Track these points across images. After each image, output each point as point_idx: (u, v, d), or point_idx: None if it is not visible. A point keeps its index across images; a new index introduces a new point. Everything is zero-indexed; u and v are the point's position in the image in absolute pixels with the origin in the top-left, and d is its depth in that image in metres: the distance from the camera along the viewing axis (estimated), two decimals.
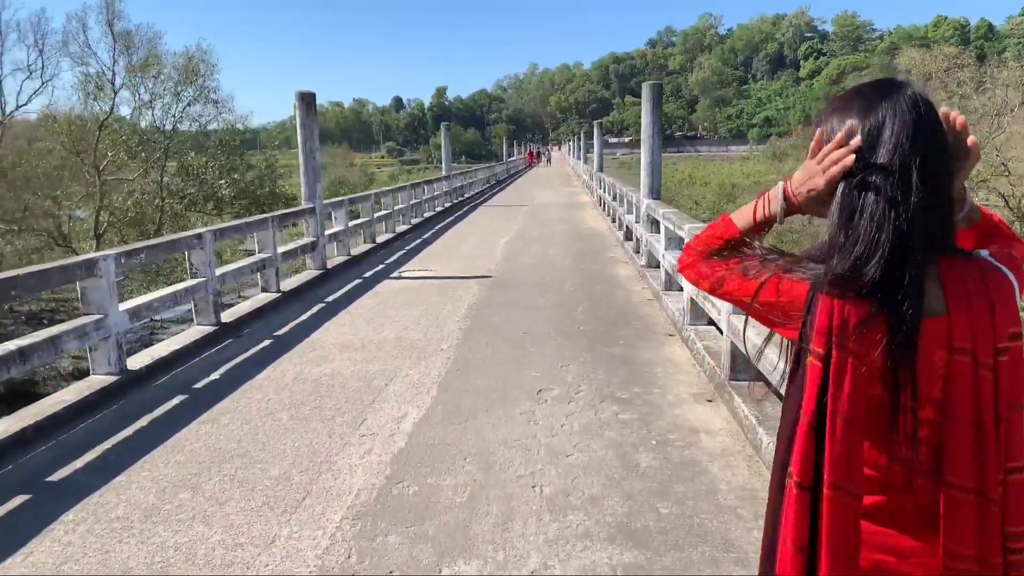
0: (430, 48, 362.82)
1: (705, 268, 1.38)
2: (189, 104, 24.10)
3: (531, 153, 70.24)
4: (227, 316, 7.55)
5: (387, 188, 16.03)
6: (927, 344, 1.13)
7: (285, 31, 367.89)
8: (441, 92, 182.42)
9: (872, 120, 1.20)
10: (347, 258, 11.51)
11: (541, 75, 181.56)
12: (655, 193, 9.84)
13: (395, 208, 15.16)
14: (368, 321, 7.66)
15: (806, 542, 1.19)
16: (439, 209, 20.43)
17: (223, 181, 22.07)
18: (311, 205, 10.33)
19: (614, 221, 15.71)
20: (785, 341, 1.33)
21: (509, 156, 60.23)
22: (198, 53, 23.77)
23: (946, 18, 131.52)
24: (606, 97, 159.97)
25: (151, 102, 24.10)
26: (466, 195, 26.49)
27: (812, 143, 1.27)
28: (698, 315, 6.74)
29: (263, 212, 18.96)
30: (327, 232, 11.03)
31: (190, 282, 7.08)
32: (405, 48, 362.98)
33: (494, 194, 30.25)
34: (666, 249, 8.42)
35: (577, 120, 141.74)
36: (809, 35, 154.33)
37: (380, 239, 13.82)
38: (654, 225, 9.94)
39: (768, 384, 5.13)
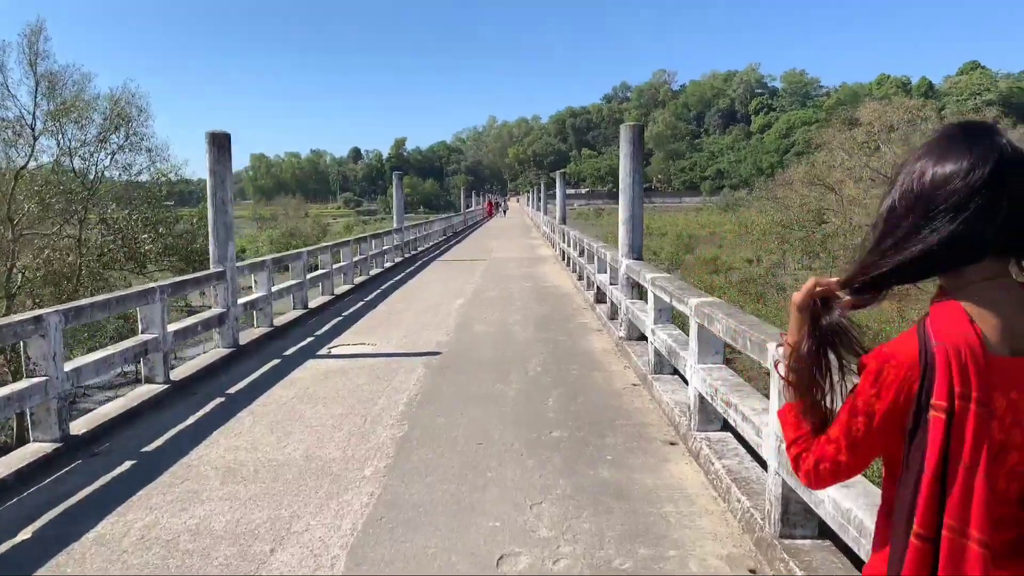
0: (389, 100, 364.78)
1: (821, 448, 1.32)
2: (115, 152, 22.03)
3: (490, 203, 70.86)
4: (81, 425, 5.62)
5: (324, 244, 14.21)
6: (992, 380, 1.16)
7: (243, 83, 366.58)
8: (400, 143, 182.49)
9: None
10: (269, 330, 9.64)
11: (500, 128, 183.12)
12: (636, 252, 8.27)
13: (333, 267, 13.35)
14: (273, 427, 5.81)
15: None
16: (388, 265, 18.67)
17: (145, 236, 19.89)
18: (220, 268, 8.50)
19: (581, 278, 14.18)
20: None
21: (467, 207, 59.00)
22: (125, 95, 21.81)
23: (889, 76, 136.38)
24: (563, 149, 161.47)
25: (71, 150, 21.96)
26: (420, 248, 24.81)
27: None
28: (709, 418, 5.08)
29: (195, 270, 16.99)
30: (243, 300, 9.19)
31: (23, 383, 5.17)
32: (364, 100, 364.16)
33: (450, 247, 28.66)
34: (655, 323, 6.79)
35: (535, 172, 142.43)
36: (759, 91, 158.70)
37: (314, 303, 11.97)
38: (635, 289, 8.36)
39: (839, 546, 3.48)
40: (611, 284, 9.69)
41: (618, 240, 8.51)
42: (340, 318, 11.22)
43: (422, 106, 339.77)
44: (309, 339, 9.56)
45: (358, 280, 15.11)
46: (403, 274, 17.78)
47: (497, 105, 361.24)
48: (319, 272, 12.86)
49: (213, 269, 8.54)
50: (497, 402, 6.36)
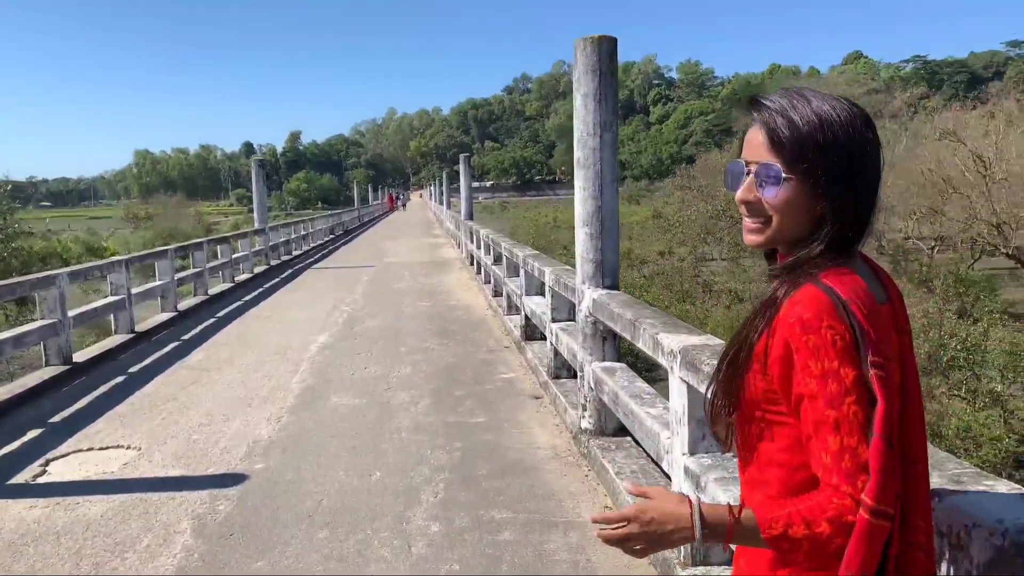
0: (283, 94, 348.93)
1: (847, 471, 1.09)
2: None
3: (391, 197, 72.16)
4: None
5: (118, 258, 9.67)
6: (885, 331, 1.12)
7: (128, 77, 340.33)
8: (295, 136, 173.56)
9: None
10: None
11: (400, 120, 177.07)
12: (609, 274, 4.48)
13: (131, 292, 8.93)
14: None
15: None
16: (243, 278, 14.23)
17: None
18: None
19: (498, 293, 10.36)
20: None
21: (365, 203, 54.12)
22: None
23: (780, 66, 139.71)
24: (466, 142, 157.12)
25: None
26: (296, 252, 20.33)
27: None
28: None
29: None
30: None
31: None
32: (256, 94, 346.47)
33: (337, 248, 24.23)
34: (693, 452, 3.02)
35: (438, 165, 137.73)
36: (657, 82, 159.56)
37: (93, 350, 7.65)
38: (606, 341, 4.59)
39: None
40: (555, 322, 5.88)
41: (575, 251, 4.68)
42: (120, 379, 6.93)
43: (318, 98, 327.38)
44: (29, 436, 5.28)
45: (184, 306, 10.71)
46: (259, 291, 13.39)
47: (396, 96, 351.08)
48: (103, 302, 8.47)
49: None
50: None
